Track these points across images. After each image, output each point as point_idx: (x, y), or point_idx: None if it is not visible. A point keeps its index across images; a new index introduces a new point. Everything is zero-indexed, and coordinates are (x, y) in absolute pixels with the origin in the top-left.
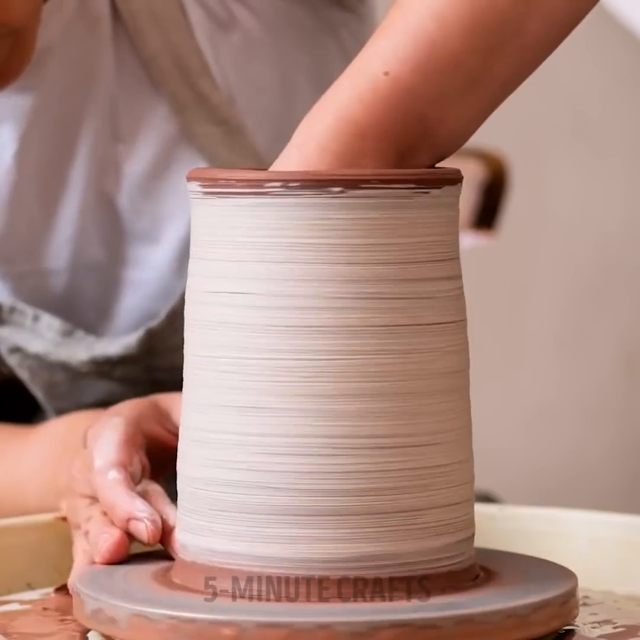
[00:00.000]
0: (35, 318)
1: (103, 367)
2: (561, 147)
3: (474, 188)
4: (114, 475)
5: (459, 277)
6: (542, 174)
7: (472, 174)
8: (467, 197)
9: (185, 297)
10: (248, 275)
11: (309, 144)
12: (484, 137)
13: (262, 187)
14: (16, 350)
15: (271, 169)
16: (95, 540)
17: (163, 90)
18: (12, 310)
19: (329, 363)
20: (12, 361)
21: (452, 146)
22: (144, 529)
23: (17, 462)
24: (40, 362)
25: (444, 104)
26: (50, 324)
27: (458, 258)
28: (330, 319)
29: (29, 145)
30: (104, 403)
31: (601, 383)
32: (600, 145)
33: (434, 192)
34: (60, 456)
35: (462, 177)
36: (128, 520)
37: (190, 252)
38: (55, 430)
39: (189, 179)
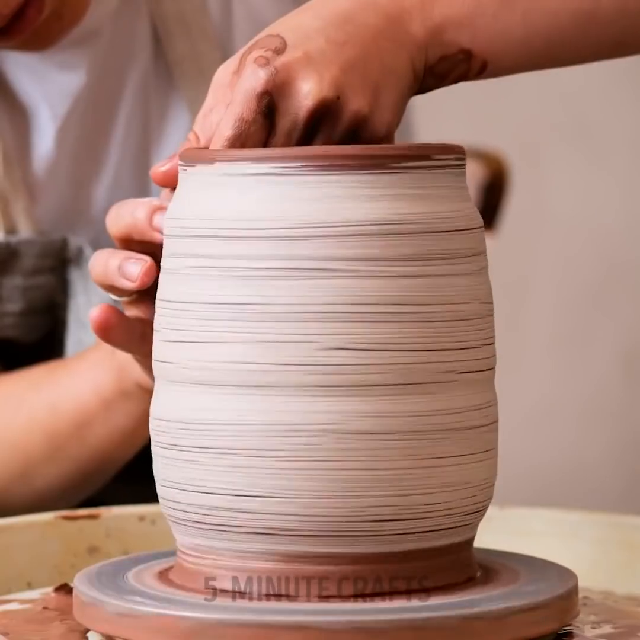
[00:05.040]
0: None
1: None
2: (561, 147)
3: (474, 188)
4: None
5: (483, 252)
6: (542, 174)
7: (472, 174)
8: None
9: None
10: (255, 252)
11: None
12: (484, 137)
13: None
14: (74, 295)
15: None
16: (120, 265)
17: (185, 94)
18: (89, 259)
19: (341, 352)
20: (71, 303)
21: (490, 51)
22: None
23: (76, 360)
24: (81, 316)
25: (501, 1)
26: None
27: (481, 231)
28: (340, 300)
29: (69, 125)
30: None
31: (599, 382)
32: (600, 145)
33: (446, 161)
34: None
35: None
36: (154, 211)
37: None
38: None
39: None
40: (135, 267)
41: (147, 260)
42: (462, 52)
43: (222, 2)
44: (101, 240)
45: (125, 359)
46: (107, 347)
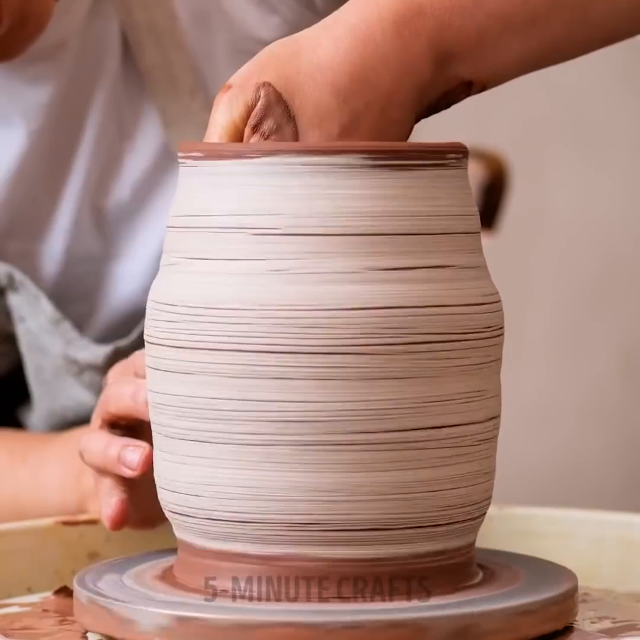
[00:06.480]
0: (36, 297)
1: (72, 368)
2: (561, 147)
3: (474, 188)
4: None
5: (480, 249)
6: (542, 174)
7: (472, 174)
8: None
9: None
10: (264, 246)
11: (368, 7)
12: (484, 137)
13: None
14: (21, 320)
15: (324, 22)
16: (120, 455)
17: (156, 102)
18: (21, 283)
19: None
20: (20, 329)
21: (489, 78)
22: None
23: (39, 465)
24: (34, 341)
25: (503, 28)
26: (45, 307)
27: (479, 230)
28: (337, 300)
29: (40, 134)
30: (74, 410)
31: (598, 382)
32: (600, 145)
33: (454, 162)
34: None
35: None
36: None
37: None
38: (78, 438)
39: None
40: (135, 455)
41: (146, 446)
42: (463, 85)
43: (195, 11)
44: (71, 254)
45: (90, 491)
46: (70, 464)
